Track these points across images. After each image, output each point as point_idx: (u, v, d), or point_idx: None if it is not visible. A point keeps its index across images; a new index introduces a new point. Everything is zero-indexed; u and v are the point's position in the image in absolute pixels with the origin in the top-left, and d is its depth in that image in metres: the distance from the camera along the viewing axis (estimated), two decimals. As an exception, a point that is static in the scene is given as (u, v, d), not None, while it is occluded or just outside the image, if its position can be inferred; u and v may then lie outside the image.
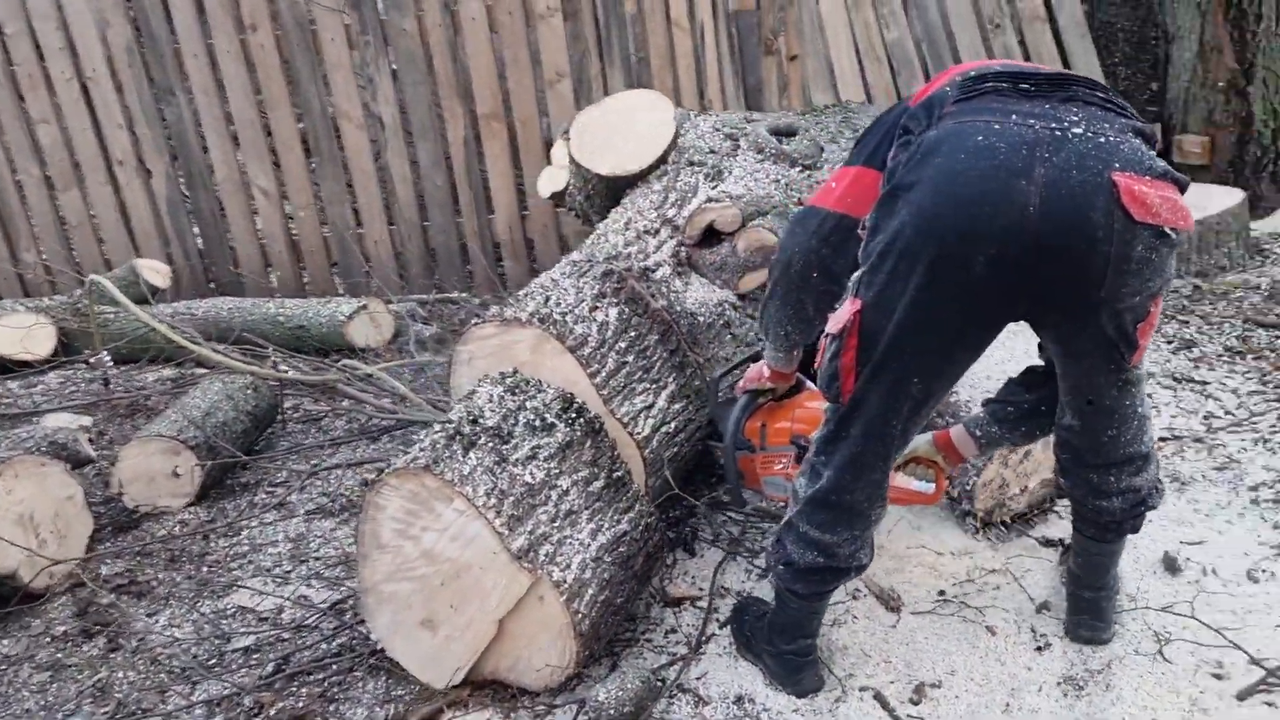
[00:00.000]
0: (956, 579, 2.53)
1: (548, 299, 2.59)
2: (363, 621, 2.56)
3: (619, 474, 2.43)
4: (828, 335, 1.92)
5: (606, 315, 2.59)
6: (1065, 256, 1.68)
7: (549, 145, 4.61)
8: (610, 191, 3.17)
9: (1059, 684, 2.20)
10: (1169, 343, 3.66)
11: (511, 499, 2.20)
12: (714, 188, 2.99)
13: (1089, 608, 2.25)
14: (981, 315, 1.80)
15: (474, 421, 2.31)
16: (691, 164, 3.07)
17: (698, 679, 2.33)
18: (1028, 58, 4.90)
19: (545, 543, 2.21)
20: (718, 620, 2.51)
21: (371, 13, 4.52)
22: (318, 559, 2.98)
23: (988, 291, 1.74)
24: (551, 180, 3.38)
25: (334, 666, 2.50)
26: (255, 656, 2.58)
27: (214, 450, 3.28)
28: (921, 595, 2.50)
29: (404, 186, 4.78)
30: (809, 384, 2.55)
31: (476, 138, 4.67)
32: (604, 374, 2.51)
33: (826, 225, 2.05)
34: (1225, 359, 3.52)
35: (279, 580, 2.89)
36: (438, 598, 2.27)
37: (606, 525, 2.35)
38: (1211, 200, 4.11)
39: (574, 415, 2.40)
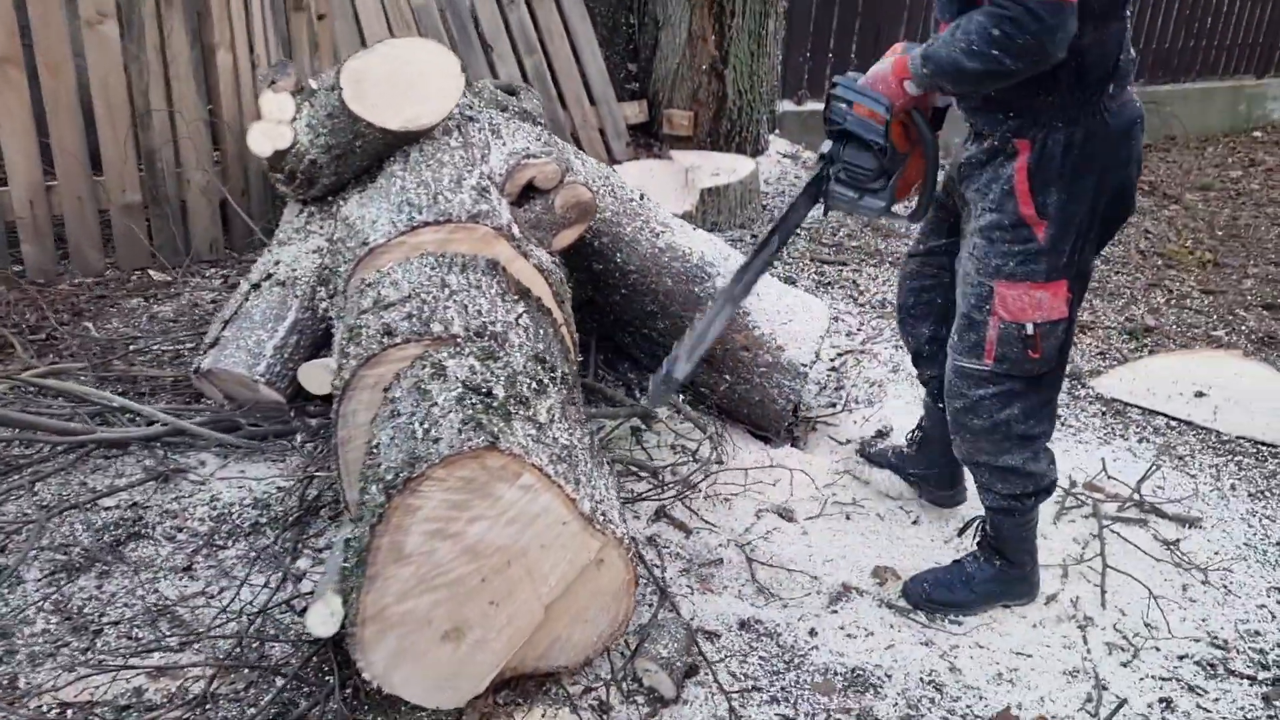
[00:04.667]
0: (807, 485, 2.90)
1: (465, 308, 2.30)
2: (291, 669, 2.11)
3: (592, 427, 2.34)
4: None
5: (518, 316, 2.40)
6: None
7: (84, 93, 3.79)
8: (380, 149, 2.84)
9: (950, 541, 2.72)
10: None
11: (565, 463, 2.03)
12: (502, 145, 2.88)
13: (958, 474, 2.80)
14: None
15: (487, 394, 2.05)
16: (468, 119, 2.91)
17: (690, 618, 2.39)
18: (539, 32, 5.25)
19: (598, 501, 2.08)
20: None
21: None
22: (115, 623, 2.27)
23: None
24: (270, 136, 2.88)
25: (294, 730, 2.02)
26: (164, 757, 1.96)
27: None
28: (798, 505, 2.83)
29: None
30: None
31: (-16, 88, 3.62)
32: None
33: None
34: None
35: (85, 664, 2.16)
36: (474, 599, 2.00)
37: (608, 475, 2.27)
38: (738, 165, 4.96)
39: (554, 372, 2.25)
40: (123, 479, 2.72)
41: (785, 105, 6.06)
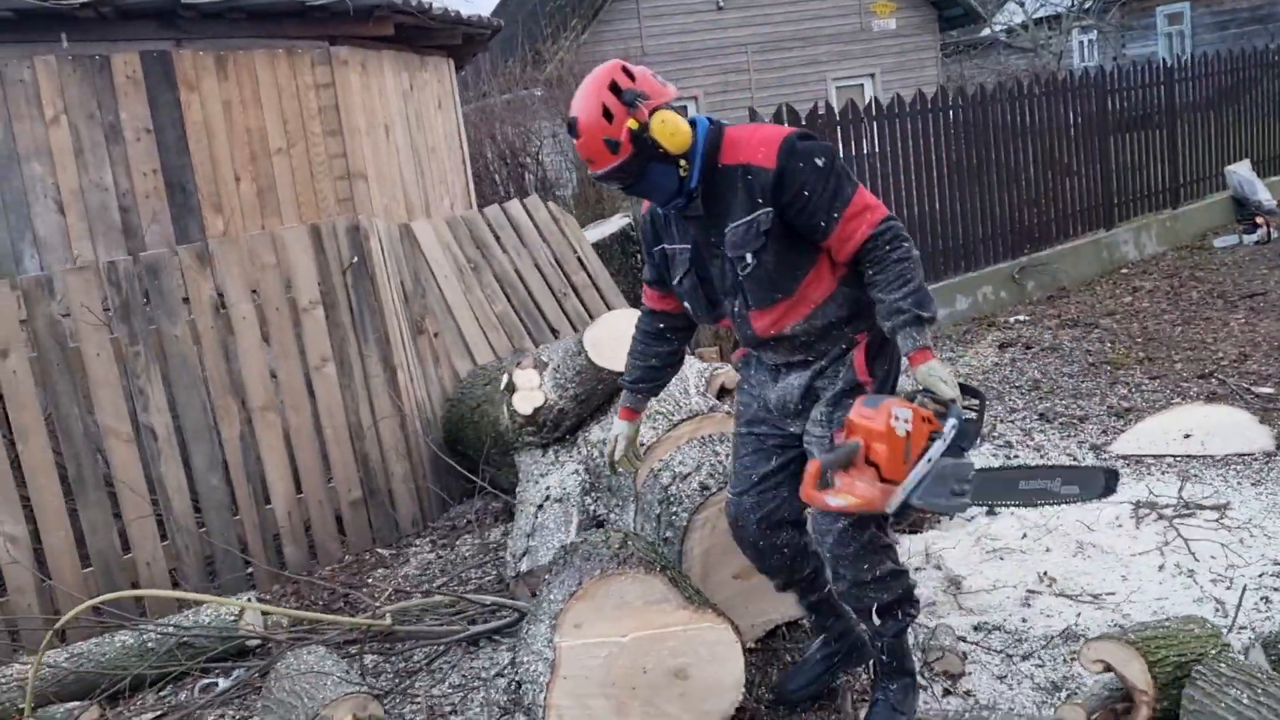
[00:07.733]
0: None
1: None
2: None
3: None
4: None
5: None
6: None
7: (317, 421, 4.92)
8: (613, 388, 4.06)
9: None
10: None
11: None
12: (689, 365, 4.14)
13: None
14: None
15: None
16: (661, 354, 4.17)
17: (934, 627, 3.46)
18: (589, 314, 6.64)
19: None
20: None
21: (142, 322, 4.41)
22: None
23: None
24: (528, 400, 4.07)
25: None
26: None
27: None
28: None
29: (179, 496, 4.53)
30: None
31: (250, 431, 4.73)
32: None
33: None
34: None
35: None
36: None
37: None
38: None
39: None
40: (493, 665, 3.70)
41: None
